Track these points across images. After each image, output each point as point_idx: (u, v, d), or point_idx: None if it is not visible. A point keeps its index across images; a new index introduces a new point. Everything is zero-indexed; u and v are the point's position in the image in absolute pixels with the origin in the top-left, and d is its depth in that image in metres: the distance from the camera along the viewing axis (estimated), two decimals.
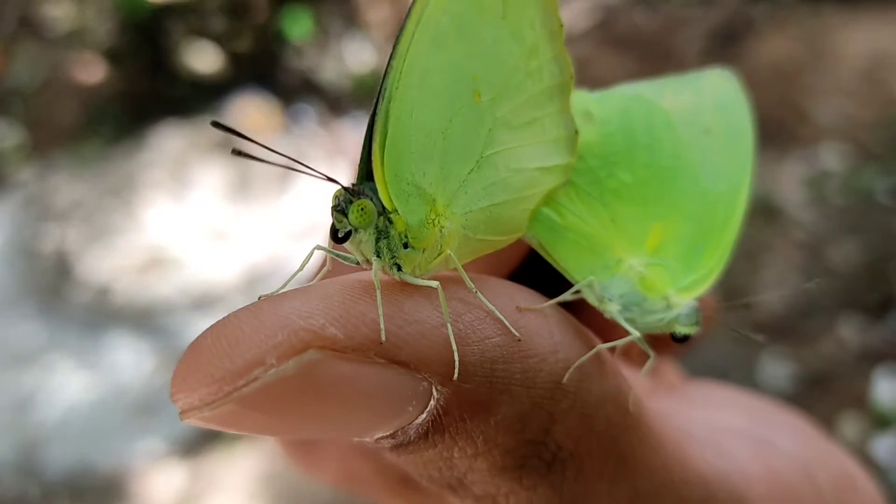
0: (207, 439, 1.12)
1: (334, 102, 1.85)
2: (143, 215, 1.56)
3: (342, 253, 0.18)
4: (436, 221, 0.19)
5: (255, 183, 1.59)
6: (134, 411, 1.20)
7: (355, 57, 1.90)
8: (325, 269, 0.20)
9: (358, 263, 0.18)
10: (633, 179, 0.22)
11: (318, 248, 0.18)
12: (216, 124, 0.16)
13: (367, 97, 1.84)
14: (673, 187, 0.22)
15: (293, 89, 1.87)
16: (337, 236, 0.18)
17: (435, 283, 0.16)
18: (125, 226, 1.54)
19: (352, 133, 1.73)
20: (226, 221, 1.52)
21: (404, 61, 0.18)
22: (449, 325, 0.16)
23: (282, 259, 1.39)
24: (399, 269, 0.18)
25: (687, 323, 0.21)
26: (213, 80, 1.90)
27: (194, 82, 1.91)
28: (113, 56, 1.93)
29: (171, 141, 1.75)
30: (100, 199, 1.57)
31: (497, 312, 0.17)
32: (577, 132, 0.21)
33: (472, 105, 0.19)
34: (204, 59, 1.93)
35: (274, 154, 0.17)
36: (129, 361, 1.28)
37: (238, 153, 0.15)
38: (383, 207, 0.18)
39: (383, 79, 0.18)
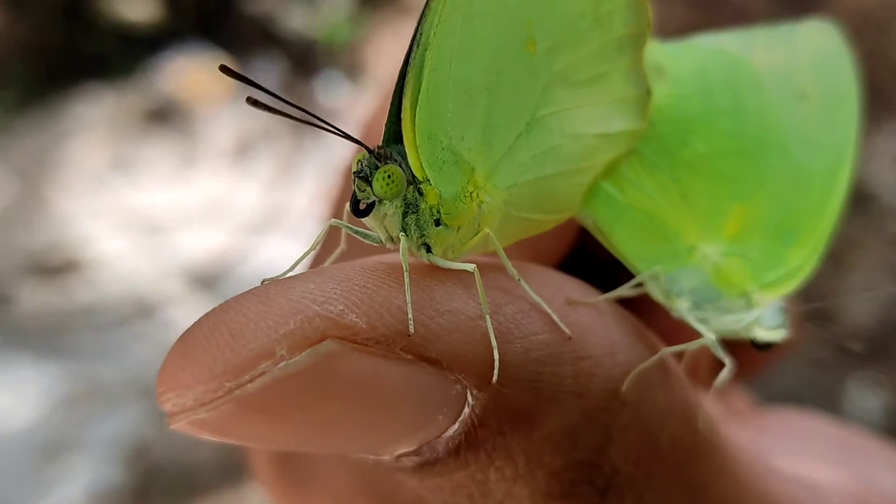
0: (139, 491, 1.11)
1: (302, 59, 1.85)
2: (57, 203, 1.56)
3: (361, 230, 0.19)
4: (474, 195, 0.19)
5: (204, 161, 1.59)
6: (41, 456, 1.19)
7: None
8: (339, 249, 0.21)
9: (380, 243, 0.19)
10: (710, 150, 0.23)
11: (335, 223, 0.19)
12: (225, 69, 0.16)
13: (344, 52, 1.84)
14: (759, 162, 0.23)
15: (249, 43, 1.87)
16: (358, 208, 0.18)
17: (471, 266, 0.17)
18: (32, 217, 1.53)
19: (327, 97, 1.73)
20: (165, 210, 1.52)
21: (444, 1, 0.18)
22: (488, 317, 0.17)
23: (236, 257, 1.40)
24: (428, 249, 0.19)
25: (771, 326, 0.22)
26: (145, 32, 1.89)
27: (122, 35, 1.89)
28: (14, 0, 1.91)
29: (93, 109, 1.74)
30: None
31: (544, 305, 0.18)
32: (649, 92, 0.22)
33: (525, 56, 0.20)
34: (134, 4, 1.93)
35: (280, 110, 0.17)
36: (34, 391, 1.27)
37: (254, 102, 0.16)
38: (413, 176, 0.19)
39: (419, 22, 0.18)
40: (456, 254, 0.19)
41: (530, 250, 0.24)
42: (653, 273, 0.22)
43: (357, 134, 0.21)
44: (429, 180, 0.19)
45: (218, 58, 1.84)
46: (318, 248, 0.20)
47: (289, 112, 0.17)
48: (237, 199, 1.52)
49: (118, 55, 1.84)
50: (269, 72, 1.80)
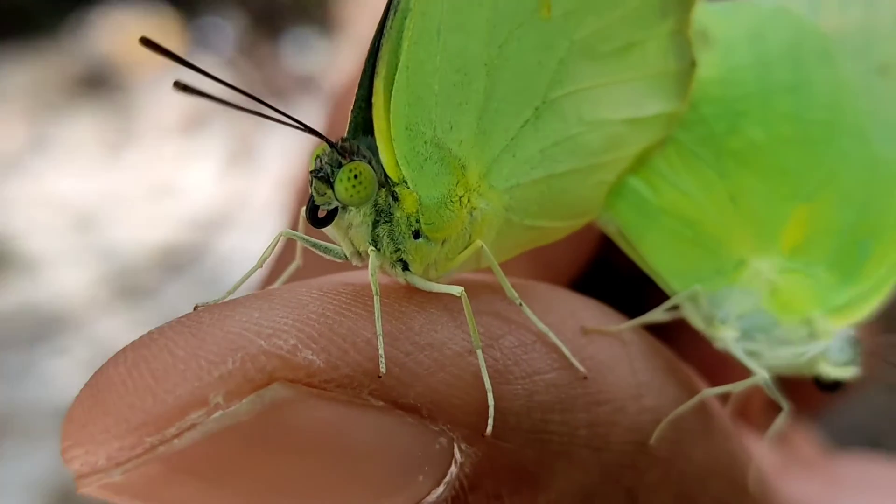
0: None
1: (265, 15, 1.85)
2: None
3: (322, 242, 0.19)
4: (464, 200, 0.19)
5: (144, 139, 1.59)
6: None
7: None
8: (293, 265, 0.21)
9: (345, 258, 0.19)
10: (766, 138, 0.22)
11: (288, 234, 0.19)
12: (147, 42, 0.16)
13: (317, 6, 1.84)
14: (828, 152, 0.23)
15: None
16: (316, 216, 0.18)
17: (458, 289, 0.17)
18: None
19: (296, 61, 1.73)
20: (96, 199, 1.52)
21: None
22: (479, 351, 0.17)
23: (184, 258, 1.40)
24: (405, 267, 0.19)
25: (840, 362, 0.22)
26: None
27: None
28: None
29: (8, 76, 1.74)
30: None
31: (551, 335, 0.18)
32: (693, 65, 0.22)
33: (536, 23, 0.20)
34: None
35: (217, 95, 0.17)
36: None
37: (183, 87, 0.16)
38: (386, 176, 0.18)
39: None
40: (440, 272, 0.19)
41: (537, 265, 0.24)
42: (691, 294, 0.22)
43: (328, 112, 0.21)
44: (406, 182, 0.18)
45: (162, 13, 1.84)
46: (266, 264, 0.19)
47: (231, 98, 0.17)
48: (185, 186, 1.52)
49: (40, 10, 1.84)
50: (225, 31, 1.80)
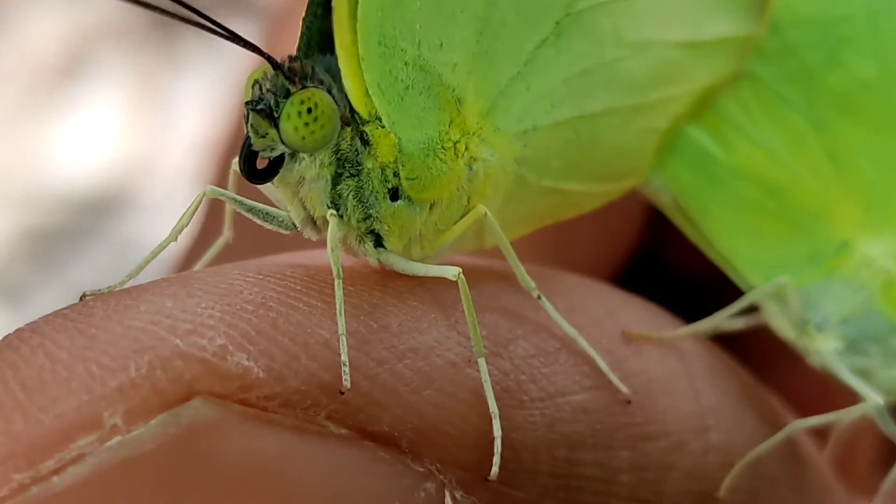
0: None
1: None
2: None
3: (261, 205, 0.19)
4: (460, 146, 0.19)
5: (10, 83, 1.59)
6: None
7: None
8: (221, 239, 0.21)
9: (294, 228, 0.19)
10: (880, 73, 0.23)
11: (212, 193, 0.19)
12: None
13: None
14: None
15: None
16: (253, 167, 0.18)
17: (453, 271, 0.17)
18: None
19: None
20: None
21: None
22: (482, 361, 0.17)
23: (63, 246, 1.40)
24: (379, 241, 0.19)
25: None
26: None
27: None
28: None
29: None
30: None
31: (581, 341, 0.18)
32: None
33: None
34: None
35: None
36: None
37: None
38: (352, 111, 0.18)
39: None
40: (428, 250, 0.19)
41: (561, 251, 0.24)
42: (775, 288, 0.22)
43: (270, 31, 0.21)
44: (380, 119, 0.18)
45: None
46: (181, 234, 0.19)
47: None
48: (63, 150, 1.52)
49: None
50: None
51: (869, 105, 0.23)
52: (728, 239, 0.23)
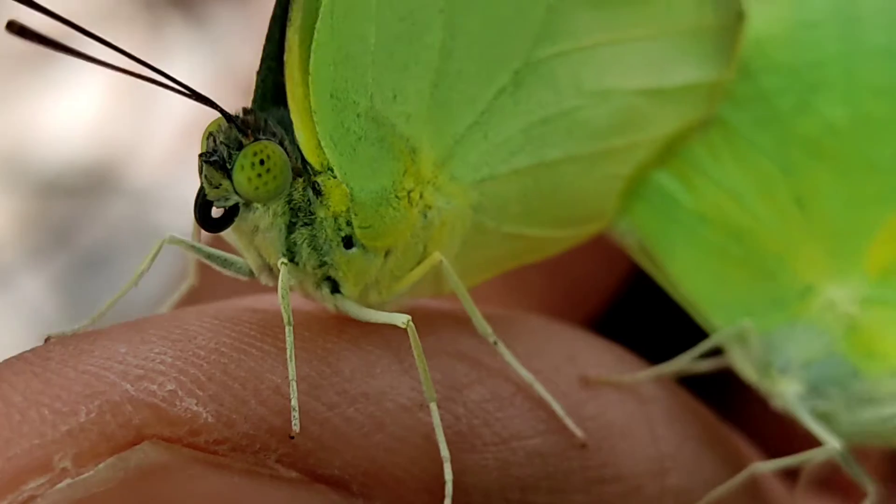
0: None
1: None
2: None
3: (218, 252, 0.20)
4: (415, 195, 0.20)
5: None
6: None
7: None
8: (185, 284, 0.22)
9: (251, 275, 0.20)
10: (850, 120, 0.23)
11: (171, 241, 0.19)
12: None
13: None
14: None
15: None
16: (208, 216, 0.19)
17: (403, 318, 0.18)
18: None
19: None
20: None
21: None
22: (434, 406, 0.17)
23: (35, 240, 1.39)
24: (335, 287, 0.19)
25: None
26: None
27: None
28: None
29: None
30: None
31: (538, 386, 0.18)
32: (741, 17, 0.23)
33: None
34: None
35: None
36: None
37: (20, 30, 0.17)
38: (304, 162, 0.19)
39: None
40: (385, 296, 0.20)
41: (529, 293, 0.24)
42: (738, 331, 0.22)
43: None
44: (332, 170, 0.19)
45: None
46: (141, 279, 0.19)
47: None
48: (46, 135, 1.50)
49: None
50: None
51: (838, 150, 0.23)
52: (692, 282, 0.23)
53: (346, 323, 0.19)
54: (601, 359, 0.20)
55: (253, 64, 0.19)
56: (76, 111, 1.51)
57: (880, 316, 0.23)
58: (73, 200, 1.44)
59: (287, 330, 0.17)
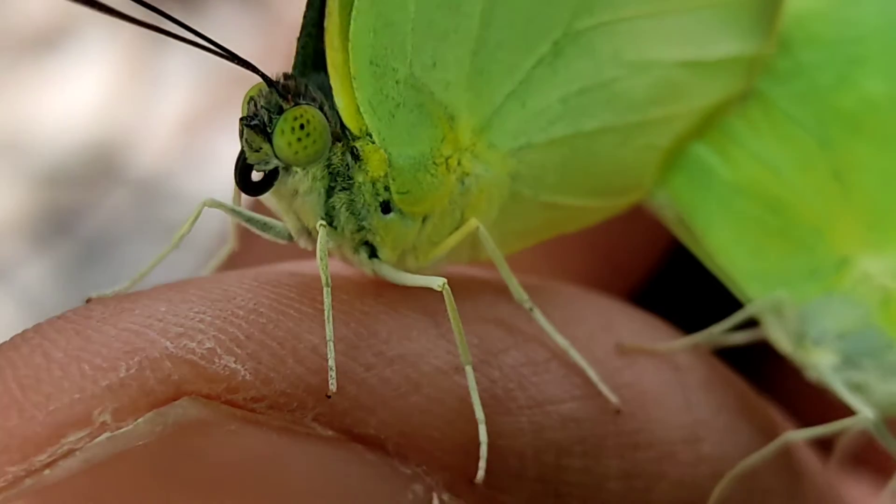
0: None
1: None
2: None
3: (258, 216, 0.20)
4: (452, 162, 0.20)
5: None
6: None
7: None
8: (225, 248, 0.22)
9: (290, 238, 0.20)
10: (890, 94, 0.23)
11: (210, 203, 0.20)
12: None
13: None
14: None
15: None
16: (248, 180, 0.19)
17: (439, 281, 0.18)
18: None
19: None
20: None
21: None
22: (469, 368, 0.17)
23: (41, 229, 1.39)
24: (373, 252, 0.20)
25: None
26: None
27: None
28: None
29: None
30: None
31: (573, 351, 0.19)
32: None
33: None
34: None
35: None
36: None
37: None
38: (343, 127, 0.19)
39: None
40: (422, 261, 0.20)
41: (571, 264, 0.24)
42: (773, 303, 0.23)
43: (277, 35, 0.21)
44: (371, 135, 0.19)
45: None
46: (182, 241, 0.20)
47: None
48: (51, 125, 1.50)
49: None
50: None
51: (877, 125, 0.23)
52: (729, 254, 0.23)
53: (383, 287, 0.19)
54: (637, 328, 0.21)
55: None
56: (78, 100, 1.52)
57: None
58: (75, 189, 1.45)
59: (325, 291, 0.17)
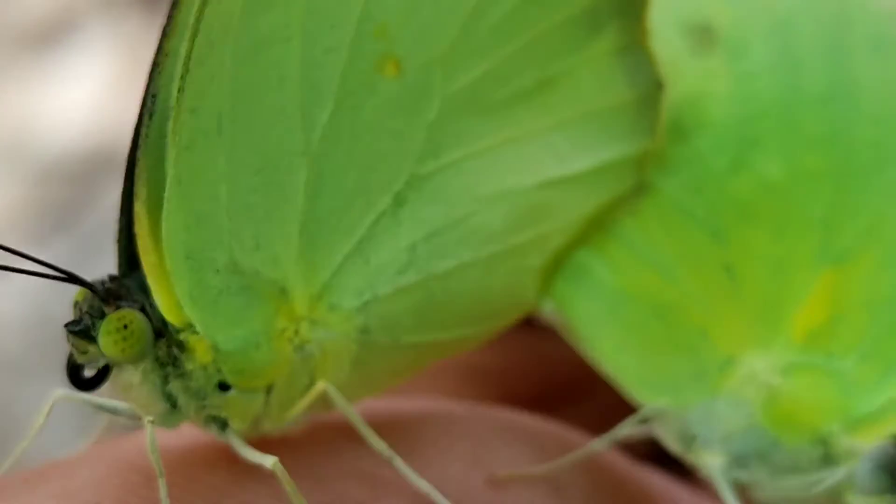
0: None
1: None
2: None
3: (108, 402, 0.21)
4: (288, 333, 0.20)
5: None
6: None
7: None
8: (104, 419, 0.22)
9: (140, 420, 0.20)
10: (786, 174, 0.23)
11: (62, 397, 0.20)
12: None
13: None
14: (873, 188, 0.23)
15: None
16: (81, 377, 0.20)
17: (270, 460, 0.18)
18: None
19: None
20: None
21: (199, 23, 0.19)
22: None
23: (41, 223, 1.40)
24: (223, 424, 0.20)
25: (872, 489, 0.23)
26: None
27: None
28: None
29: None
30: None
31: (436, 496, 0.19)
32: (659, 87, 0.23)
33: (379, 85, 0.20)
34: None
35: None
36: None
37: None
38: (164, 323, 0.20)
39: (151, 73, 0.19)
40: (278, 423, 0.21)
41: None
42: (656, 411, 0.23)
43: None
44: (193, 326, 0.20)
45: None
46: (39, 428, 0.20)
47: None
48: (49, 122, 1.50)
49: None
50: None
51: (773, 210, 0.23)
52: (616, 361, 0.24)
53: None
54: (514, 452, 0.21)
55: None
56: (77, 96, 1.51)
57: (802, 382, 0.23)
58: (73, 186, 1.45)
59: (160, 482, 0.18)
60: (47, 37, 1.56)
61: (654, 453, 0.24)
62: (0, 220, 1.41)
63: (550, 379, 0.28)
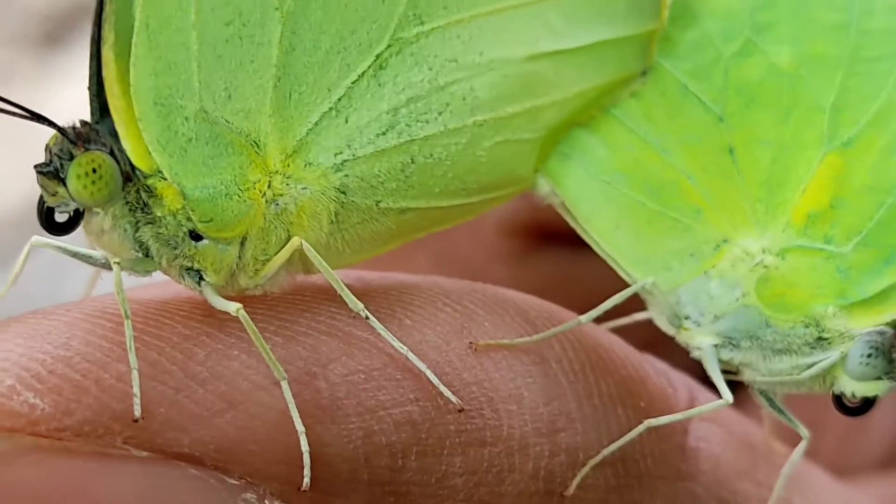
0: None
1: None
2: None
3: (82, 250, 0.21)
4: (261, 185, 0.21)
5: None
6: None
7: None
8: (95, 272, 0.23)
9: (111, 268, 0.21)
10: (797, 61, 0.23)
11: (37, 243, 0.21)
12: None
13: None
14: (887, 76, 0.23)
15: None
16: (52, 221, 0.20)
17: (234, 307, 0.19)
18: None
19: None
20: None
21: None
22: (285, 384, 0.18)
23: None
24: (199, 276, 0.20)
25: (865, 375, 0.23)
26: None
27: None
28: None
29: None
30: None
31: (411, 356, 0.19)
32: None
33: None
34: None
35: None
36: None
37: None
38: (133, 167, 0.20)
39: None
40: (256, 280, 0.21)
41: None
42: (647, 286, 0.23)
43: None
44: (161, 172, 0.20)
45: None
46: (18, 275, 0.21)
47: None
48: (51, 117, 1.50)
49: None
50: None
51: (780, 93, 0.23)
52: (611, 239, 0.24)
53: (215, 310, 0.20)
54: (498, 323, 0.21)
55: None
56: (79, 95, 1.51)
57: (799, 264, 0.23)
58: None
59: (126, 324, 0.18)
60: (53, 36, 1.57)
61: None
62: (3, 219, 1.42)
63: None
